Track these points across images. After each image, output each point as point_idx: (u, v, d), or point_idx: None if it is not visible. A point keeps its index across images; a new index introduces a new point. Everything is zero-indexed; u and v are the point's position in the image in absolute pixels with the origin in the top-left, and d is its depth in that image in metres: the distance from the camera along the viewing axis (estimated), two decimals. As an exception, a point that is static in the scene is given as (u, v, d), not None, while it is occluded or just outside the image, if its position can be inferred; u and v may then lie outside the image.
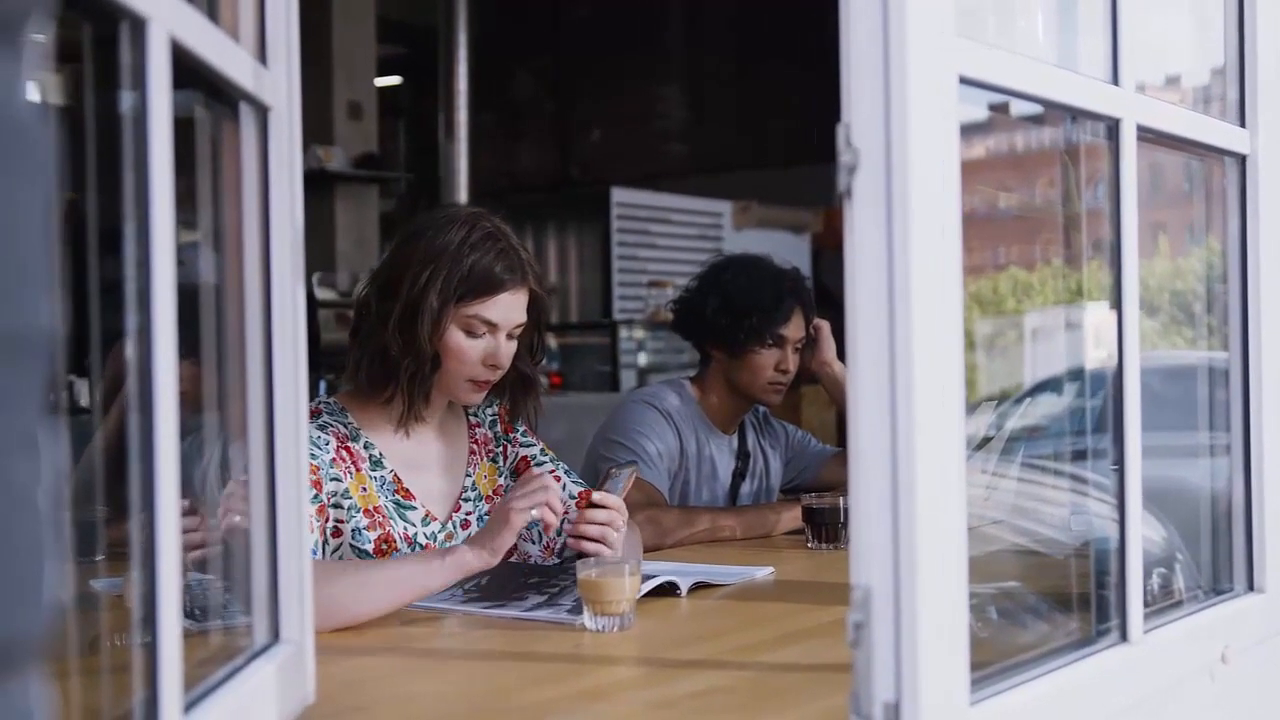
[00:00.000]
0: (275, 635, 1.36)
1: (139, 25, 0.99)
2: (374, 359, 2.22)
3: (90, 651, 1.19)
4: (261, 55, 1.35)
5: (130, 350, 1.01)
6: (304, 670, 1.41)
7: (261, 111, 1.34)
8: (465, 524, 2.33)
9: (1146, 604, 1.53)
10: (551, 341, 7.63)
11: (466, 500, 2.35)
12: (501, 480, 2.41)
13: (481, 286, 2.19)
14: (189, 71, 1.10)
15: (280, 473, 1.37)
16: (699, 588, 2.19)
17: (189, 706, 1.07)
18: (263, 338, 1.35)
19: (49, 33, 0.61)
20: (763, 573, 2.35)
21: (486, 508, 2.36)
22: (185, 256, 1.08)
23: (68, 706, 1.00)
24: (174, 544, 1.01)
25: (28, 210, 0.54)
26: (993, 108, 1.46)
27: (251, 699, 1.24)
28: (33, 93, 0.56)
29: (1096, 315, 1.86)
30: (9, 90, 0.54)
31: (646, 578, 2.03)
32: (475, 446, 2.40)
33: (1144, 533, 1.55)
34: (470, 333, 2.21)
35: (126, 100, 1.00)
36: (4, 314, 0.54)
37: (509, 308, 2.23)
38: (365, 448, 2.24)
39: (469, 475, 2.37)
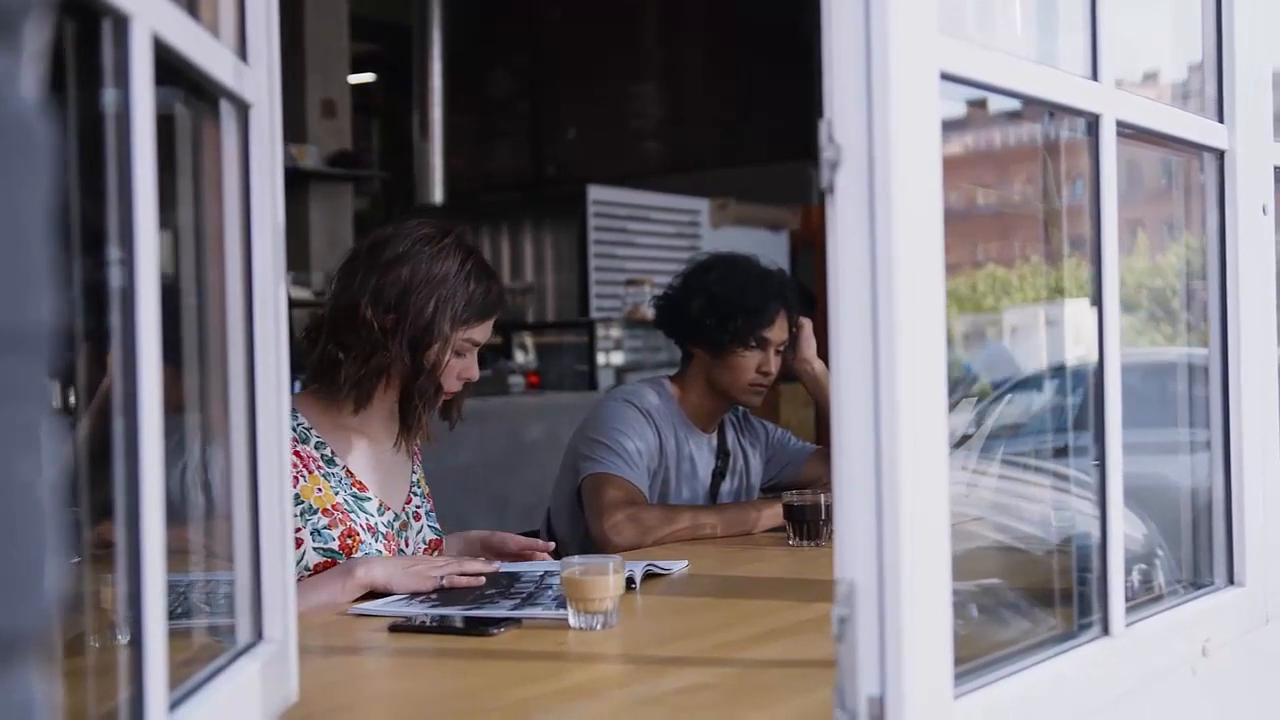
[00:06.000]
0: (259, 634, 1.36)
1: (121, 22, 0.98)
2: (374, 375, 2.26)
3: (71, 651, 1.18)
4: (242, 52, 1.34)
5: (112, 351, 1.00)
6: (287, 669, 1.40)
7: (243, 109, 1.34)
8: (416, 515, 2.43)
9: (1127, 599, 1.53)
10: (528, 340, 7.62)
11: (416, 494, 2.44)
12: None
13: (482, 313, 2.30)
14: (168, 68, 1.10)
15: (262, 472, 1.36)
16: (649, 577, 2.23)
17: (173, 705, 1.07)
18: (245, 337, 1.35)
19: (48, 28, 0.60)
20: (678, 566, 2.37)
21: (429, 505, 2.47)
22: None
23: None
24: (159, 545, 1.00)
25: (29, 205, 0.54)
26: (970, 104, 1.46)
27: (235, 698, 1.23)
28: (31, 89, 0.56)
29: (1075, 312, 1.87)
30: (8, 86, 0.54)
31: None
32: (415, 447, 2.48)
33: (1124, 529, 1.55)
34: (459, 354, 2.30)
35: (108, 97, 1.00)
36: (7, 308, 0.54)
37: (490, 328, 2.36)
38: (316, 448, 2.28)
39: (415, 472, 2.46)
